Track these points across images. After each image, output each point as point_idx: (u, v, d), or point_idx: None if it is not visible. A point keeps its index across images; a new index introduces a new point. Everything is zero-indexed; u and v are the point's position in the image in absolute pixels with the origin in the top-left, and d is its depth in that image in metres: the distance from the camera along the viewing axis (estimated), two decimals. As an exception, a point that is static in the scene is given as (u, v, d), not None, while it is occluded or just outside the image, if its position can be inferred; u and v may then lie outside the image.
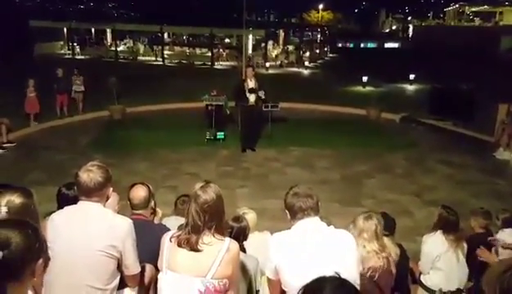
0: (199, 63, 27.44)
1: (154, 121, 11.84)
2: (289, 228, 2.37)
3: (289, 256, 2.25)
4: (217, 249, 2.16)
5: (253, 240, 3.63)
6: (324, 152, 9.29)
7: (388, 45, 50.08)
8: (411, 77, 18.64)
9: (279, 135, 10.22)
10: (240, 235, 3.24)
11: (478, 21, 55.36)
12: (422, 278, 3.97)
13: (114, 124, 11.58)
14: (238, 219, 3.33)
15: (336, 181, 7.65)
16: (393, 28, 71.43)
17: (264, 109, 10.28)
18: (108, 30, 31.14)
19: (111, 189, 2.54)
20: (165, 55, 28.46)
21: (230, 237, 2.64)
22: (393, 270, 3.18)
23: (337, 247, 2.25)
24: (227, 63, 27.63)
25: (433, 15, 71.64)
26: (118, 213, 3.12)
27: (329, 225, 2.35)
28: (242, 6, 16.66)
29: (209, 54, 27.86)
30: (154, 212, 3.30)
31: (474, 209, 4.35)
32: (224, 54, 29.02)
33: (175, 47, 30.92)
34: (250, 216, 3.94)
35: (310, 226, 2.29)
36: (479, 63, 24.41)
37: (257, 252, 3.41)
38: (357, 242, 2.52)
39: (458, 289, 3.75)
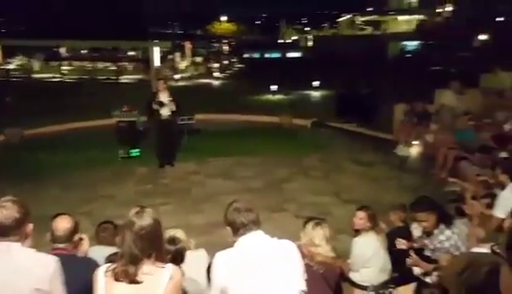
0: (103, 77, 26.16)
1: (59, 142, 11.00)
2: (229, 245, 2.34)
3: (236, 276, 2.20)
4: (159, 278, 2.02)
5: (188, 260, 3.54)
6: (244, 161, 9.40)
7: (290, 54, 52.28)
8: (316, 84, 19.68)
9: (197, 148, 10.14)
10: (178, 258, 3.13)
11: (368, 30, 60.42)
12: (352, 276, 4.19)
13: (12, 149, 10.54)
14: (173, 241, 3.15)
15: (259, 189, 7.78)
16: (294, 38, 74.82)
17: (180, 122, 10.16)
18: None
19: (31, 225, 2.30)
20: (64, 71, 26.71)
21: (171, 260, 2.54)
22: (338, 270, 3.38)
23: (283, 258, 2.27)
24: (134, 76, 26.73)
25: (328, 26, 76.48)
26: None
27: (272, 237, 2.36)
28: (146, 18, 16.31)
29: (113, 68, 26.76)
30: (77, 246, 3.04)
31: (394, 204, 4.67)
32: (130, 67, 28.08)
33: (74, 62, 29.14)
34: (181, 236, 3.82)
35: (254, 241, 2.27)
36: (373, 68, 26.55)
37: (195, 273, 3.31)
38: (309, 247, 2.63)
39: (385, 282, 4.03)
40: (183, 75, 27.54)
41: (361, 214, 4.07)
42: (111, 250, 3.43)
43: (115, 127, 10.66)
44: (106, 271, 2.06)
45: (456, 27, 35.69)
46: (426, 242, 4.05)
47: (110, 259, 2.43)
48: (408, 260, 3.92)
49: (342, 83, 14.16)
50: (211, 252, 3.73)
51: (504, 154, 6.70)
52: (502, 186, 4.66)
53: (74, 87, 22.35)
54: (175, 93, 9.30)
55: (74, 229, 2.83)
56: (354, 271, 4.12)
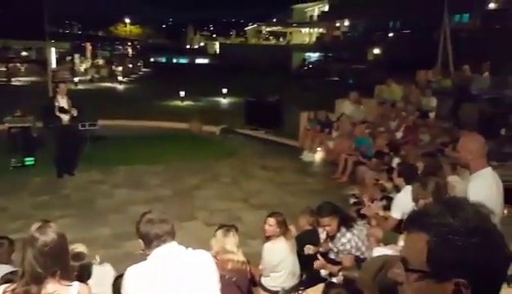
0: (-9, 79, 23.71)
1: None
2: (138, 258, 2.23)
3: (151, 290, 2.10)
4: None
5: (94, 275, 3.33)
6: (153, 168, 9.11)
7: (198, 61, 52.21)
8: (224, 91, 19.87)
9: (101, 156, 9.59)
10: (84, 274, 2.94)
11: (273, 40, 62.68)
12: (263, 280, 4.26)
13: None
14: (78, 256, 2.99)
15: (169, 197, 7.58)
16: (202, 44, 74.88)
17: (81, 128, 9.53)
18: None
19: None
20: None
21: (77, 277, 2.38)
22: (249, 275, 3.39)
23: (198, 269, 2.22)
24: (27, 78, 24.58)
25: (235, 34, 77.92)
26: None
27: (186, 248, 2.31)
28: (42, 16, 15.08)
29: (3, 69, 24.33)
30: None
31: (303, 209, 4.85)
32: (22, 69, 25.75)
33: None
34: (83, 250, 3.57)
35: (168, 253, 2.18)
36: (279, 77, 27.60)
37: (100, 289, 3.14)
38: (221, 255, 2.60)
39: (295, 285, 4.17)
40: (83, 78, 26.00)
41: (271, 221, 4.15)
42: (7, 268, 3.12)
43: (7, 134, 9.72)
44: (5, 292, 1.88)
45: (353, 41, 38.65)
46: (330, 245, 4.28)
47: (6, 279, 2.17)
48: (315, 264, 4.11)
49: (250, 91, 14.46)
50: (119, 266, 3.56)
51: (397, 160, 7.38)
52: (398, 189, 5.10)
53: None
54: (75, 97, 8.71)
55: None
56: (265, 276, 4.19)
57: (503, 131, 7.27)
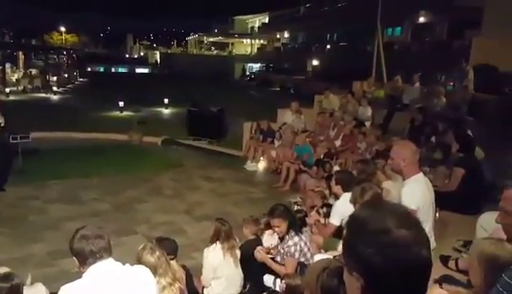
0: None
1: None
2: (80, 276, 2.12)
3: None
4: None
5: None
6: (89, 182, 8.74)
7: (139, 70, 51.12)
8: (166, 101, 19.55)
9: (34, 170, 9.06)
10: None
11: (215, 50, 62.85)
12: (205, 291, 4.23)
13: None
14: (7, 277, 2.76)
15: (107, 211, 7.31)
16: (142, 53, 73.40)
17: (12, 141, 8.96)
18: None
19: None
20: None
21: None
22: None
23: (136, 287, 2.16)
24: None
25: (176, 43, 77.18)
26: None
27: (124, 264, 2.23)
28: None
29: None
30: None
31: (246, 218, 4.86)
32: None
33: None
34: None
35: (105, 270, 2.10)
36: (221, 87, 27.68)
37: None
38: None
39: (239, 293, 4.18)
40: (14, 88, 24.53)
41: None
42: None
43: None
44: None
45: (292, 52, 39.71)
46: (279, 247, 4.37)
47: None
48: (256, 254, 4.14)
49: (191, 101, 14.36)
50: (54, 285, 3.37)
51: (336, 167, 7.65)
52: (336, 196, 5.28)
53: None
54: (5, 108, 8.19)
55: None
56: (207, 286, 4.17)
57: (433, 139, 7.75)
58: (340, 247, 3.72)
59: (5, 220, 6.73)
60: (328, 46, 33.89)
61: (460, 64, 11.01)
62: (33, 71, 29.24)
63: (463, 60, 11.18)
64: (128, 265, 2.23)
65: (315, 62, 32.05)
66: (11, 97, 21.84)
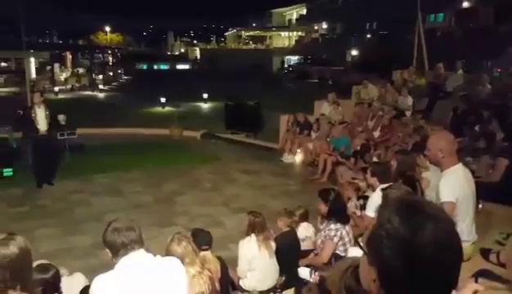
0: (-31, 91, 23.32)
1: None
2: (111, 267, 2.20)
3: None
4: None
5: (64, 287, 3.27)
6: (132, 175, 9.07)
7: (179, 66, 52.01)
8: (205, 96, 19.87)
9: (80, 164, 9.51)
10: (58, 283, 2.90)
11: (253, 44, 62.91)
12: (241, 283, 4.30)
13: None
14: (46, 268, 2.93)
15: (149, 204, 7.57)
16: (182, 50, 74.65)
17: (60, 138, 9.45)
18: None
19: None
20: None
21: (45, 290, 2.35)
22: (218, 287, 3.37)
23: (167, 278, 2.20)
24: (6, 89, 24.23)
25: (215, 39, 77.91)
26: None
27: (155, 255, 2.28)
28: (19, 26, 14.96)
29: (-18, 80, 23.95)
30: None
31: (279, 211, 4.87)
32: (1, 79, 25.39)
33: None
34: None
35: (135, 261, 2.15)
36: (259, 80, 27.70)
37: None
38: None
39: (273, 286, 4.21)
40: (63, 87, 25.71)
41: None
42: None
43: (-17, 146, 9.57)
44: None
45: (331, 43, 39.11)
46: (320, 227, 4.57)
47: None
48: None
49: (229, 95, 14.50)
50: (95, 276, 3.54)
51: (374, 159, 7.50)
52: (373, 188, 5.19)
53: None
54: (54, 106, 8.64)
55: None
56: (242, 278, 4.23)
57: (477, 127, 7.43)
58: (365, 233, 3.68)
59: (53, 213, 7.13)
60: (368, 36, 33.10)
61: (506, 49, 10.46)
62: (80, 70, 30.49)
63: (510, 45, 10.62)
64: (158, 256, 2.29)
65: (354, 52, 31.45)
66: (60, 96, 22.93)
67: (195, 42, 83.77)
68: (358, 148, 8.47)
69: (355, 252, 3.82)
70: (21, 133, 8.80)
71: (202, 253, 3.60)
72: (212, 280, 3.17)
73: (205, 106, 19.51)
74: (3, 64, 28.04)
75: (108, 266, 2.27)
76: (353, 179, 7.24)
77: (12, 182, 8.51)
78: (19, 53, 20.93)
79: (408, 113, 10.18)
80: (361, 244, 1.14)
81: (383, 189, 3.90)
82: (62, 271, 3.74)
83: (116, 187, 8.41)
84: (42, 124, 8.05)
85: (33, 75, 24.12)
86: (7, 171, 8.70)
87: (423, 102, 10.57)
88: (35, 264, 3.11)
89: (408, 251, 0.96)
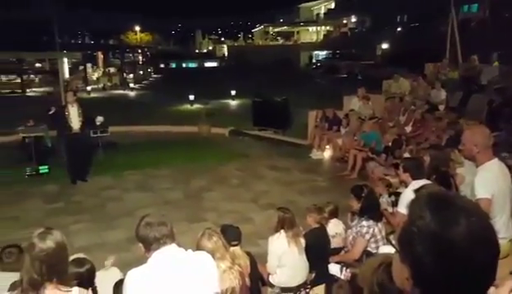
0: (7, 91, 24.23)
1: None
2: (140, 260, 2.24)
3: (149, 293, 2.11)
4: None
5: (99, 280, 3.33)
6: (162, 172, 9.20)
7: (207, 64, 52.46)
8: (233, 93, 19.95)
9: (112, 161, 9.74)
10: (92, 277, 2.96)
11: (280, 40, 62.65)
12: (270, 279, 4.28)
13: None
14: (81, 262, 3.00)
15: (179, 200, 7.66)
16: (210, 48, 75.20)
17: (93, 135, 9.70)
18: None
19: None
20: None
21: (79, 284, 2.40)
22: (248, 282, 3.36)
23: (198, 272, 2.22)
24: (41, 89, 25.08)
25: (243, 36, 78.02)
26: None
27: (186, 250, 2.30)
28: (53, 28, 15.45)
29: (19, 80, 24.85)
30: None
31: (309, 207, 4.80)
32: (36, 79, 26.28)
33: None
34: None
35: (167, 256, 2.18)
36: (287, 76, 27.57)
37: (106, 293, 3.17)
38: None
39: (303, 283, 4.17)
40: (95, 86, 26.39)
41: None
42: (17, 276, 3.18)
43: (20, 144, 9.94)
44: None
45: (360, 37, 38.46)
46: (351, 224, 4.48)
47: (13, 286, 2.22)
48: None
49: (257, 92, 14.49)
50: (128, 270, 3.61)
51: (406, 154, 7.33)
52: (406, 184, 5.06)
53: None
54: (87, 105, 8.87)
55: None
56: (272, 274, 4.21)
57: (514, 121, 7.15)
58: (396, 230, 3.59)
59: (86, 209, 7.33)
60: (398, 29, 32.36)
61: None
62: (112, 70, 31.21)
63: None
64: (190, 250, 2.31)
65: (384, 45, 30.81)
66: (92, 95, 23.54)
67: (222, 39, 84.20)
68: (389, 143, 8.29)
69: (387, 250, 3.74)
70: (56, 131, 9.07)
71: (232, 249, 3.61)
72: (242, 275, 3.17)
73: (233, 103, 19.58)
74: (38, 64, 28.99)
75: (141, 260, 2.30)
76: (385, 175, 7.11)
77: (48, 179, 8.79)
78: (53, 54, 21.61)
79: (441, 107, 9.89)
80: (393, 242, 1.10)
81: (415, 191, 3.78)
82: (106, 262, 3.84)
83: (147, 183, 8.56)
84: (75, 122, 8.26)
85: (67, 75, 24.83)
86: (43, 169, 9.00)
87: (456, 96, 10.25)
88: (71, 258, 3.21)
89: (440, 247, 0.93)
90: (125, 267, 3.91)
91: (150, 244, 2.18)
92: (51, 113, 8.54)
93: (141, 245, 2.24)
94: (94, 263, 3.69)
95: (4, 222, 6.74)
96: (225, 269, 3.01)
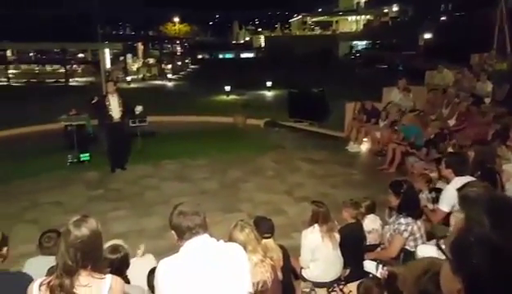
0: (52, 80, 25.21)
1: (4, 149, 10.44)
2: (175, 249, 2.24)
3: (181, 282, 2.10)
4: (97, 290, 1.94)
5: (135, 267, 3.39)
6: (199, 162, 9.30)
7: (244, 55, 52.45)
8: (269, 84, 19.85)
9: (150, 151, 9.93)
10: (123, 266, 3.02)
11: (318, 30, 61.68)
12: (303, 272, 4.23)
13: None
14: (116, 250, 3.06)
15: (214, 190, 7.73)
16: (247, 39, 75.11)
17: (132, 125, 9.92)
18: None
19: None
20: (10, 75, 25.47)
21: (111, 271, 2.43)
22: (280, 276, 3.32)
23: (230, 263, 2.20)
24: (84, 79, 25.91)
25: (280, 26, 77.36)
26: None
27: (218, 240, 2.29)
28: (95, 19, 15.90)
29: (62, 70, 25.78)
30: (4, 260, 2.83)
31: (345, 201, 4.67)
32: (79, 69, 27.19)
33: (21, 65, 27.86)
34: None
35: (199, 245, 2.18)
36: (325, 67, 27.14)
37: (141, 280, 3.23)
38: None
39: (336, 278, 4.10)
40: (135, 77, 26.98)
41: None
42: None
43: (63, 132, 10.29)
44: (41, 285, 1.94)
45: (402, 26, 37.24)
46: (389, 220, 4.37)
47: (50, 271, 2.29)
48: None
49: (293, 83, 14.34)
50: (163, 257, 3.67)
51: (449, 149, 7.04)
52: (447, 180, 4.85)
53: (22, 91, 21.31)
54: (126, 95, 9.06)
55: (2, 243, 2.62)
56: (305, 268, 4.16)
57: None
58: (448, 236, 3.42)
59: (125, 196, 7.52)
60: (442, 18, 31.10)
61: None
62: (151, 60, 31.78)
63: None
64: (221, 241, 2.29)
65: (427, 35, 29.70)
66: (132, 85, 24.09)
67: (259, 30, 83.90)
68: (431, 137, 7.99)
69: (426, 250, 3.60)
70: (97, 120, 9.33)
71: (264, 241, 3.59)
72: (274, 269, 3.14)
73: (269, 94, 19.50)
74: (81, 55, 29.93)
75: (175, 249, 2.30)
76: (425, 170, 6.86)
77: (89, 166, 9.08)
78: (94, 45, 22.25)
79: (487, 100, 9.43)
80: (443, 248, 1.01)
81: (459, 190, 3.60)
82: (138, 251, 3.91)
83: (183, 173, 8.68)
84: (115, 112, 8.45)
85: (108, 65, 25.50)
86: (84, 156, 9.30)
87: (504, 88, 9.73)
88: (109, 243, 3.29)
89: (503, 262, 0.82)
90: (160, 254, 3.98)
91: (183, 233, 2.18)
92: (94, 102, 8.77)
93: (173, 232, 2.25)
94: (130, 249, 3.79)
95: (47, 207, 7.03)
96: (256, 262, 2.98)
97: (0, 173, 8.52)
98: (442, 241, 2.94)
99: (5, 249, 2.62)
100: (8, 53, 27.95)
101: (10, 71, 25.94)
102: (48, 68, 27.67)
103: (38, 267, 2.97)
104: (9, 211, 6.79)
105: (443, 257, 1.02)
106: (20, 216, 6.66)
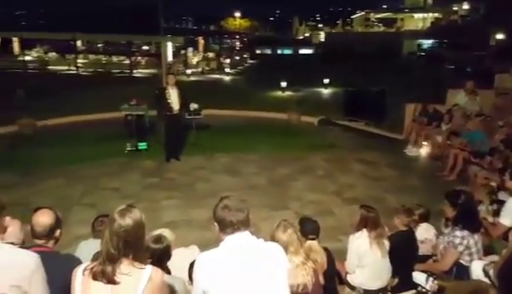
0: (117, 71, 26.49)
1: (69, 134, 11.13)
2: (218, 241, 2.25)
3: (218, 278, 2.11)
4: (137, 279, 1.97)
5: (179, 258, 3.45)
6: (250, 157, 9.34)
7: (302, 51, 52.03)
8: (326, 81, 19.53)
9: (204, 143, 10.12)
10: (164, 257, 3.06)
11: (382, 27, 59.75)
12: (348, 278, 4.09)
13: (23, 139, 10.64)
14: (159, 240, 3.10)
15: (263, 186, 7.71)
16: (306, 34, 74.38)
17: (187, 117, 10.16)
18: (15, 39, 28.92)
19: (7, 218, 2.30)
20: (79, 64, 27.06)
21: (152, 261, 2.47)
22: (322, 280, 3.22)
23: (268, 262, 2.18)
24: (147, 70, 27.01)
25: (342, 22, 75.87)
26: (24, 241, 2.77)
27: (258, 238, 2.26)
28: (159, 13, 16.43)
29: (127, 61, 27.00)
30: (57, 241, 2.96)
31: (397, 207, 4.47)
32: (143, 61, 28.33)
33: (90, 55, 29.54)
34: (168, 235, 3.55)
35: (240, 242, 2.18)
36: (386, 66, 26.24)
37: (183, 271, 3.27)
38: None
39: (383, 287, 3.93)
40: (195, 70, 27.66)
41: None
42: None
43: (123, 121, 10.74)
44: (85, 269, 2.01)
45: (472, 25, 35.09)
46: (445, 231, 4.14)
47: (95, 257, 2.38)
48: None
49: (353, 81, 13.99)
50: (207, 249, 3.71)
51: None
52: (511, 192, 4.50)
53: (89, 80, 22.58)
54: (185, 88, 9.27)
55: (56, 225, 2.69)
56: (350, 273, 4.03)
57: None
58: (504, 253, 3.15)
59: (178, 186, 7.71)
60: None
61: None
62: (210, 54, 32.46)
63: None
64: (261, 240, 2.27)
65: (499, 35, 27.78)
66: (191, 78, 24.71)
67: (320, 26, 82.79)
68: (497, 145, 7.45)
69: (479, 266, 3.36)
70: (156, 111, 9.65)
71: (308, 243, 3.51)
72: (316, 272, 3.06)
73: (325, 92, 19.18)
74: (145, 47, 31.15)
75: (219, 242, 2.31)
76: (485, 178, 6.43)
77: (146, 155, 9.41)
78: (158, 38, 23.03)
79: None
80: (490, 274, 0.91)
81: None
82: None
83: (234, 166, 8.76)
84: (175, 104, 8.68)
85: (170, 58, 26.32)
86: (142, 145, 9.66)
87: None
88: (157, 232, 3.37)
89: None
90: (206, 246, 4.03)
91: (226, 227, 2.19)
92: (158, 92, 9.08)
93: (216, 224, 2.26)
94: (178, 238, 3.85)
95: (105, 192, 7.37)
96: (298, 264, 2.93)
97: (63, 157, 9.07)
98: (490, 266, 2.71)
99: (58, 232, 2.72)
100: (78, 43, 29.67)
101: (79, 61, 27.54)
102: (114, 59, 29.07)
103: (90, 249, 3.10)
104: (70, 194, 7.20)
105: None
106: (78, 199, 7.03)
